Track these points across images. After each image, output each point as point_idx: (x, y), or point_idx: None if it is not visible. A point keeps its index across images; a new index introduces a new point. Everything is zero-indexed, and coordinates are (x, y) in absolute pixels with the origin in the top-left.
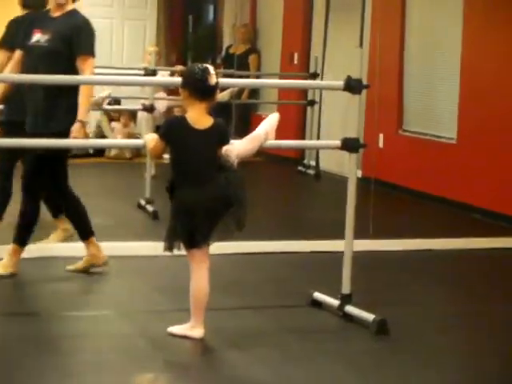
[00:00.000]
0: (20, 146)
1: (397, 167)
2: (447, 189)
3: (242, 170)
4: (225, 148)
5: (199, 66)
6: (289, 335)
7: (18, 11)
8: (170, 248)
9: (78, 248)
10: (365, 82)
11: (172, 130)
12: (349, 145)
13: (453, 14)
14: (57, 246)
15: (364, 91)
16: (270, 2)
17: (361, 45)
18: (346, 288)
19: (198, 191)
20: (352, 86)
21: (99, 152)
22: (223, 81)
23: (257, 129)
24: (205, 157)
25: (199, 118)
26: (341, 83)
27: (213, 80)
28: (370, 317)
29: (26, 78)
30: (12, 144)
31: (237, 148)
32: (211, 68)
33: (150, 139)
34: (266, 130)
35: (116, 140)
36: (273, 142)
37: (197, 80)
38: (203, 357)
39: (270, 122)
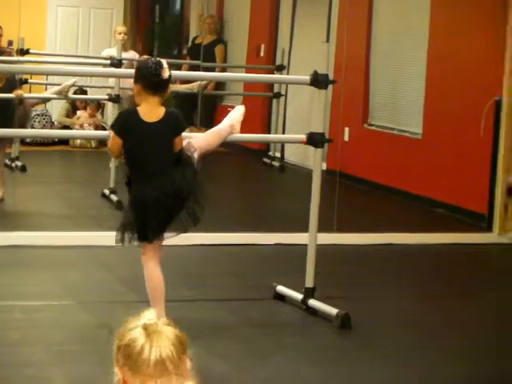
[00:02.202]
0: None
1: (362, 161)
2: (412, 183)
3: (202, 162)
4: (186, 141)
5: (152, 59)
6: (251, 328)
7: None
8: (121, 240)
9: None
10: (331, 76)
11: (123, 123)
12: (314, 139)
13: (420, 8)
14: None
15: (330, 85)
16: None
17: (327, 40)
18: (309, 282)
19: (151, 186)
20: (318, 80)
21: (64, 140)
22: (190, 74)
23: (222, 122)
24: (157, 151)
25: (151, 111)
26: (307, 78)
27: (166, 73)
28: (333, 311)
29: None
30: None
31: (199, 141)
32: (164, 62)
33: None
34: (230, 123)
35: (82, 131)
36: (238, 135)
37: (150, 74)
38: None
39: (234, 115)
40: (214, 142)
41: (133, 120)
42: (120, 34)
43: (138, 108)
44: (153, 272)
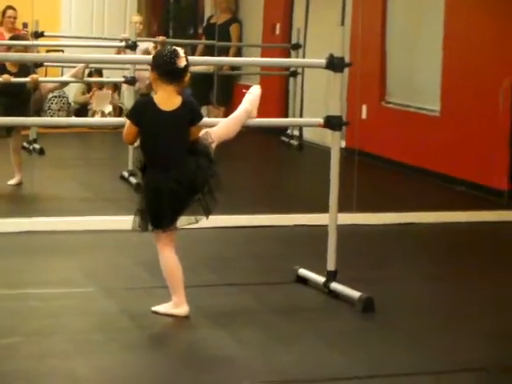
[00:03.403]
0: None
1: (379, 138)
2: (430, 161)
3: (218, 151)
4: (204, 131)
5: (168, 48)
6: (273, 313)
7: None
8: (138, 226)
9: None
10: (347, 57)
11: (139, 112)
12: (332, 123)
13: None
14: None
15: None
16: None
17: (342, 23)
18: (331, 264)
19: (165, 175)
20: (334, 64)
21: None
22: (207, 59)
23: (239, 107)
24: (173, 139)
25: (168, 99)
26: (323, 61)
27: (182, 62)
28: (356, 294)
29: None
30: None
31: (217, 130)
32: (181, 50)
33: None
34: (247, 108)
35: (98, 119)
36: (254, 120)
37: (165, 62)
38: (187, 336)
39: (251, 99)
40: (232, 130)
41: (149, 108)
42: (136, 23)
43: (154, 96)
44: (168, 258)
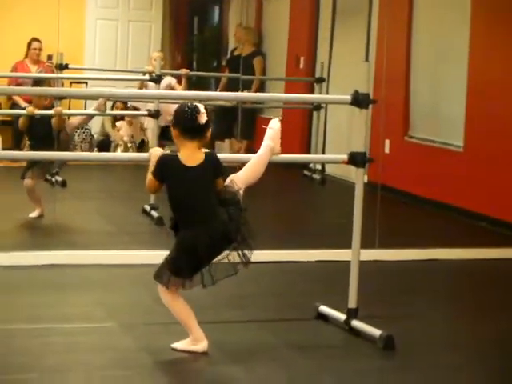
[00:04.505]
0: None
1: (403, 173)
2: (454, 196)
3: (248, 194)
4: (230, 177)
5: (189, 104)
6: (294, 350)
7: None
8: (160, 279)
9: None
10: (371, 93)
11: (164, 169)
12: (356, 159)
13: (460, 22)
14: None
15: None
16: (276, 4)
17: (367, 58)
18: (352, 302)
19: (200, 229)
20: (359, 100)
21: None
22: (231, 95)
23: (261, 145)
24: (201, 193)
25: (191, 155)
26: (348, 97)
27: (202, 119)
28: (376, 332)
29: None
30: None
31: (242, 176)
32: (201, 107)
33: (154, 154)
34: (269, 146)
35: (120, 153)
36: (279, 156)
37: (187, 119)
38: (206, 373)
39: (272, 134)
40: (258, 172)
41: (173, 165)
42: (155, 60)
43: (179, 153)
44: (173, 302)
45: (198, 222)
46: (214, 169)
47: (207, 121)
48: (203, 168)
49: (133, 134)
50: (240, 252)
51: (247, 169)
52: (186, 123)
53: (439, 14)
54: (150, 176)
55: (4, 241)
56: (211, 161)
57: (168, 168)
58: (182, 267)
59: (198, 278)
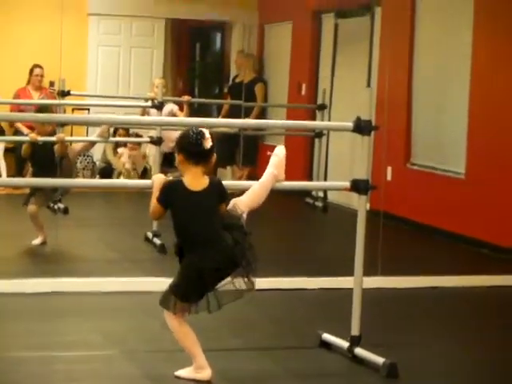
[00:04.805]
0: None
1: (405, 201)
2: (456, 223)
3: (249, 222)
4: (233, 201)
5: (194, 129)
6: (296, 379)
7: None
8: (166, 306)
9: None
10: (373, 118)
11: (169, 195)
12: (358, 186)
13: (461, 48)
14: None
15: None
16: (278, 31)
17: (369, 84)
18: (355, 329)
19: (205, 254)
20: (361, 127)
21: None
22: (233, 122)
23: (265, 171)
24: (206, 217)
25: (196, 180)
26: (350, 124)
27: (207, 144)
28: (380, 360)
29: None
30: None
31: (245, 200)
32: (206, 132)
33: (157, 181)
34: (273, 173)
35: (123, 180)
36: (282, 183)
37: (192, 144)
38: None
39: (276, 162)
40: (260, 197)
41: (178, 190)
42: (157, 87)
43: (183, 179)
44: (178, 327)
45: (203, 246)
46: (219, 194)
47: (212, 146)
48: (208, 193)
49: (135, 162)
50: (245, 276)
51: (250, 193)
52: (190, 148)
53: (441, 39)
54: (154, 202)
55: (5, 268)
56: (216, 186)
57: (173, 193)
58: (188, 292)
59: (204, 303)
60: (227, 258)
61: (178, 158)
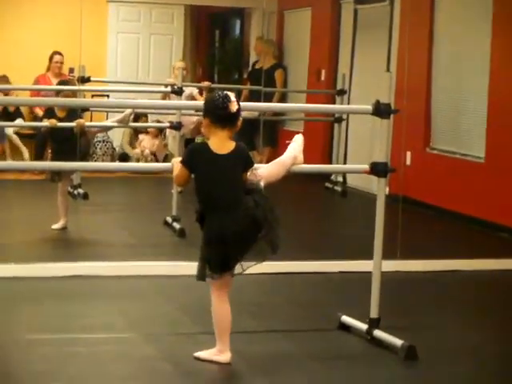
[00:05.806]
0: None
1: (424, 185)
2: (475, 207)
3: (268, 190)
4: (251, 172)
5: (220, 93)
6: (316, 360)
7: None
8: (202, 278)
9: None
10: (392, 102)
11: (194, 156)
12: (377, 169)
13: (481, 33)
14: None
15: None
16: (298, 17)
17: (388, 69)
18: (374, 312)
19: (227, 217)
20: (381, 110)
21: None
22: (255, 105)
23: (284, 153)
24: (230, 181)
25: (221, 144)
26: (369, 108)
27: (234, 107)
28: (398, 342)
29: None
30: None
31: (263, 171)
32: (232, 95)
33: (177, 163)
34: (293, 155)
35: (144, 164)
36: (300, 166)
37: (218, 108)
38: (230, 383)
39: (296, 146)
40: (279, 173)
41: (204, 153)
42: (178, 69)
43: (209, 142)
44: (221, 306)
45: (226, 210)
46: (244, 159)
47: (238, 109)
48: (233, 157)
49: (155, 150)
50: (268, 239)
51: (269, 167)
52: (217, 111)
53: (461, 25)
54: (178, 166)
55: (26, 252)
56: (241, 151)
57: (198, 155)
58: (213, 256)
59: (230, 268)
60: (249, 220)
61: (204, 121)
